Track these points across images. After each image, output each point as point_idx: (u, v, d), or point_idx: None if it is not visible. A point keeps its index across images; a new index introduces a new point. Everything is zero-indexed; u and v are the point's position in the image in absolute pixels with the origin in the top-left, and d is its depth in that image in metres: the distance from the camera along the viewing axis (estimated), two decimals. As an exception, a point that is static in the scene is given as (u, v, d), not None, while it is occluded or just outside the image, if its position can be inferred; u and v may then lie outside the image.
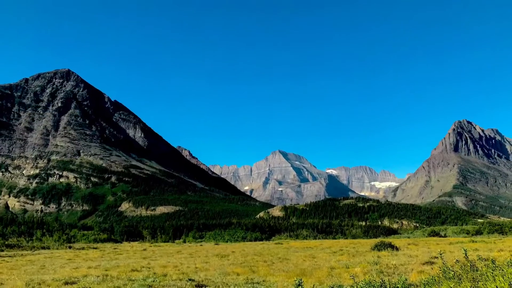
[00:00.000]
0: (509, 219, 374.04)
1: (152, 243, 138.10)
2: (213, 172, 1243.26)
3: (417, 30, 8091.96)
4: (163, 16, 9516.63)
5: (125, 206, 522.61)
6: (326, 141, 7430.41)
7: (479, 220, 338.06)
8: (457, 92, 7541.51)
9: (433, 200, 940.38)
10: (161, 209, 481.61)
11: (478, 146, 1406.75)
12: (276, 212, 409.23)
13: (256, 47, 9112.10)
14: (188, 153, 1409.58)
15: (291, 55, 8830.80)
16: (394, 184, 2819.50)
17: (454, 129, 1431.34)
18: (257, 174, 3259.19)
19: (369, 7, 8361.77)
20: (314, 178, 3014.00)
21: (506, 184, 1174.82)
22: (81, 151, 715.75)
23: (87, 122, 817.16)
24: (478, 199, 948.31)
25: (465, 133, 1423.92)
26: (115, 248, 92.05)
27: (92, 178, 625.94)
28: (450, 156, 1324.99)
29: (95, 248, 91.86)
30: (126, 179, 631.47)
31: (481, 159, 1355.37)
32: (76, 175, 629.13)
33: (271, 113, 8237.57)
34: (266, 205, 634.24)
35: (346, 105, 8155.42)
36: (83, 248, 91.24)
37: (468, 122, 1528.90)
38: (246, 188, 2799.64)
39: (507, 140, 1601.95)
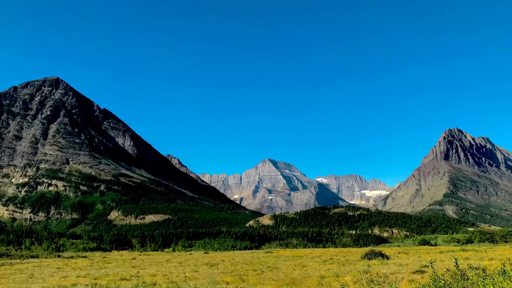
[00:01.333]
0: (500, 228, 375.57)
1: (141, 251, 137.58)
2: (202, 181, 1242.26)
3: (408, 38, 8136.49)
4: (152, 24, 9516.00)
5: (114, 215, 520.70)
6: (316, 149, 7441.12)
7: (470, 229, 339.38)
8: (448, 101, 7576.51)
9: (424, 209, 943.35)
10: (150, 218, 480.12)
11: (468, 154, 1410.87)
12: (266, 220, 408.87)
13: (246, 55, 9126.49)
14: (177, 162, 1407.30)
15: (281, 63, 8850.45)
16: (384, 192, 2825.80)
17: (444, 138, 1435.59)
18: (247, 182, 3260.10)
19: (357, 16, 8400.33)
20: (304, 187, 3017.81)
21: (496, 193, 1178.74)
22: (70, 159, 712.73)
23: (76, 130, 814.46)
24: (469, 208, 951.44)
25: (456, 142, 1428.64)
26: (104, 257, 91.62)
27: (81, 187, 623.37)
28: (440, 165, 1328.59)
29: (84, 257, 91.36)
30: (115, 188, 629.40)
31: (471, 167, 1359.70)
32: (65, 184, 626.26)
33: (261, 121, 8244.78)
34: (256, 214, 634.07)
35: (336, 113, 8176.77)
36: (72, 257, 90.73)
37: (459, 131, 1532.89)
38: (236, 196, 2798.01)
39: (497, 149, 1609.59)
